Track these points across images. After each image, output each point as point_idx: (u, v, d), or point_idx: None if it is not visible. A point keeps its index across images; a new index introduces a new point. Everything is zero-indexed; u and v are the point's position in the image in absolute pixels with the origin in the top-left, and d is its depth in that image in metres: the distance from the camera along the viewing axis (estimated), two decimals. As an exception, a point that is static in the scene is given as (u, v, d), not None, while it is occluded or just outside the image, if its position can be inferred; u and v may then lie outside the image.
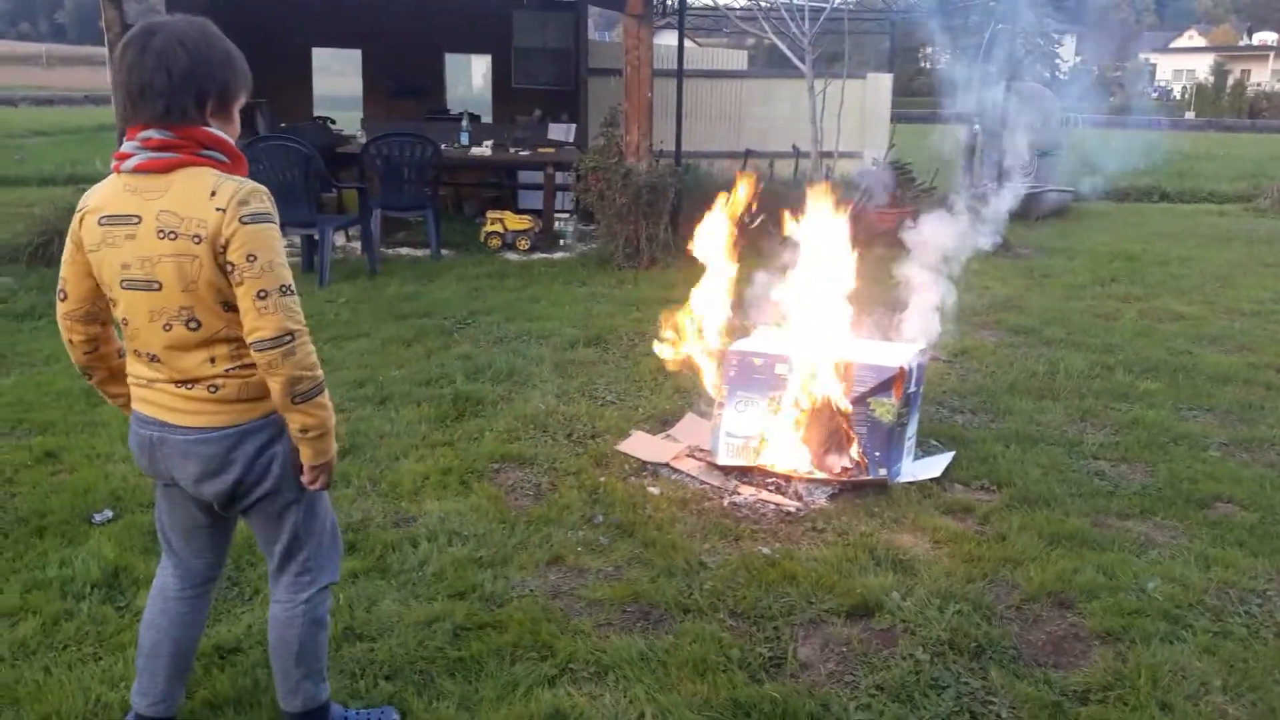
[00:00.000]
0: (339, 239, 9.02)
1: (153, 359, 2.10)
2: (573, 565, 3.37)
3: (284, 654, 2.36)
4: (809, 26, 7.43)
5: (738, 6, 10.21)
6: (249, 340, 2.03)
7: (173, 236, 1.99)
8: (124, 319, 2.10)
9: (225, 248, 1.99)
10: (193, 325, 2.05)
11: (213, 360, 2.09)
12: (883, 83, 11.63)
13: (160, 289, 2.02)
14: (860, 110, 10.54)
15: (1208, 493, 4.00)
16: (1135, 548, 3.53)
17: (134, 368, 2.17)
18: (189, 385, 2.10)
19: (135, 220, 2.01)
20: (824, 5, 7.62)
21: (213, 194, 2.00)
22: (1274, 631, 3.01)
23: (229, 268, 2.01)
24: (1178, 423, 4.83)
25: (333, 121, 11.56)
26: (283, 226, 7.55)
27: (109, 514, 3.64)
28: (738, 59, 13.94)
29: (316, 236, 7.59)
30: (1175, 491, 4.01)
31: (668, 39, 11.79)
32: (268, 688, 2.65)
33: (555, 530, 3.60)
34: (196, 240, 1.98)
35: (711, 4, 10.37)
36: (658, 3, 9.37)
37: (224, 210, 1.99)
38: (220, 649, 2.82)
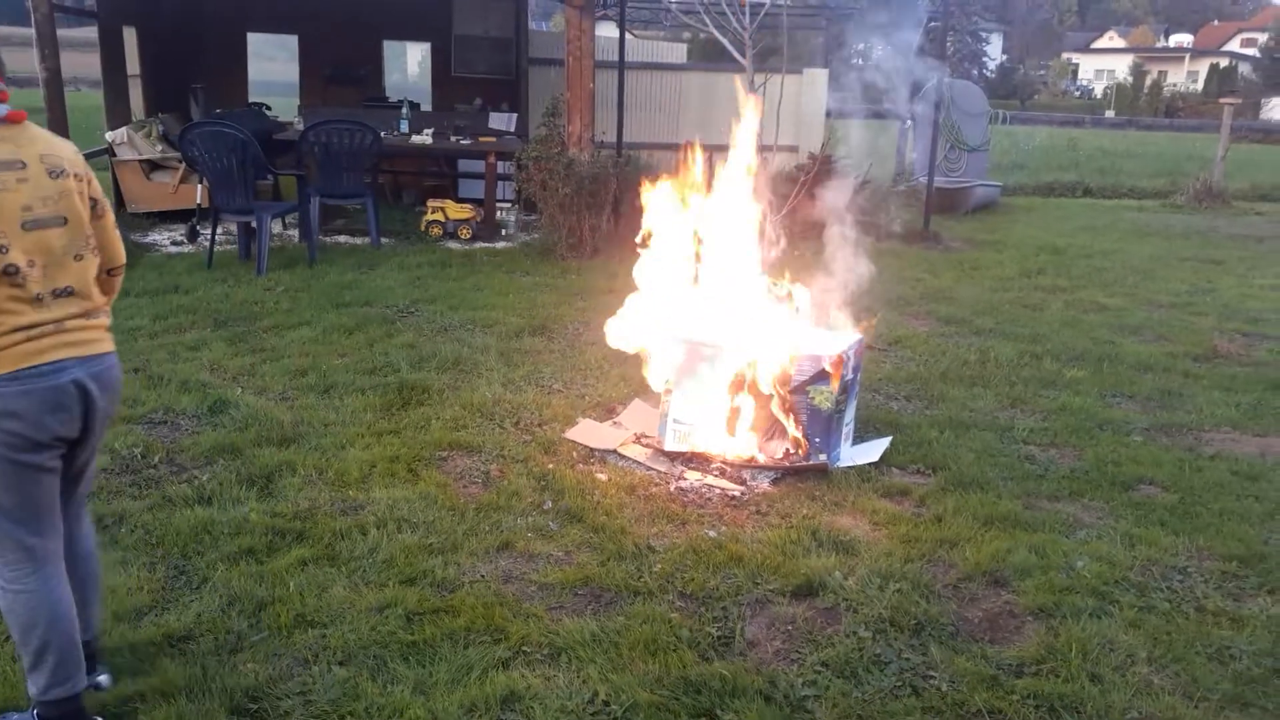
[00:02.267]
0: (276, 226, 8.87)
1: (67, 293, 2.25)
2: (523, 551, 3.41)
3: (99, 580, 2.59)
4: (749, 21, 7.52)
5: (675, 0, 10.29)
6: (116, 265, 2.46)
7: (63, 175, 2.26)
8: (29, 261, 2.17)
9: (88, 185, 2.34)
10: (95, 253, 2.35)
11: (98, 290, 2.37)
12: (819, 78, 11.79)
13: (67, 223, 2.26)
14: (797, 105, 10.68)
15: (1131, 475, 4.19)
16: (1065, 528, 3.69)
17: (34, 315, 2.18)
18: (95, 315, 2.33)
19: (21, 165, 2.19)
20: (763, 1, 7.71)
21: (60, 141, 2.32)
22: (1194, 606, 3.18)
23: (93, 203, 2.36)
24: (1103, 409, 5.03)
25: (268, 108, 11.35)
26: (219, 213, 7.43)
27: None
28: (677, 52, 14.00)
29: (254, 224, 7.46)
30: (1101, 474, 4.19)
31: (606, 30, 11.79)
32: (218, 675, 2.65)
33: (505, 517, 3.63)
34: (79, 179, 2.30)
35: (652, -4, 10.45)
36: (598, -6, 9.41)
37: (78, 154, 2.35)
38: (170, 637, 2.80)
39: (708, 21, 7.58)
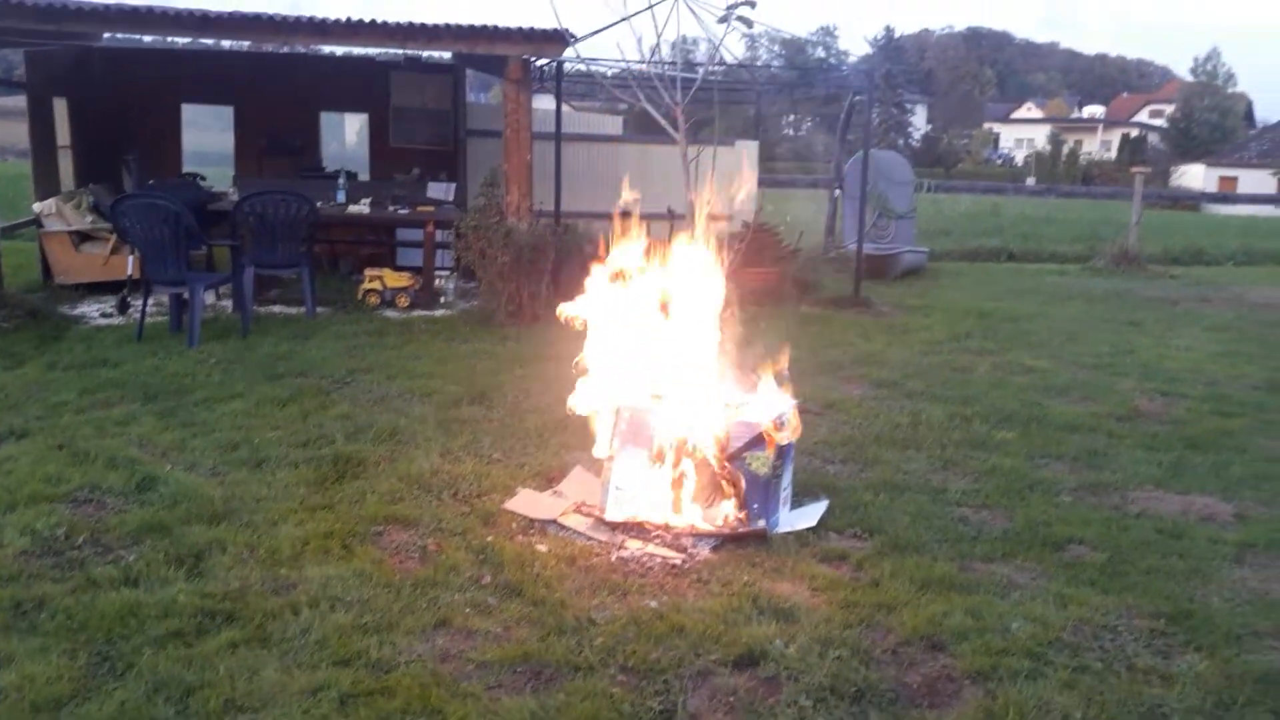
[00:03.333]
0: (209, 297, 8.74)
1: None
2: (461, 627, 3.35)
3: None
4: (681, 95, 7.71)
5: (609, 75, 10.53)
6: None
7: None
8: None
9: None
10: None
11: None
12: (750, 149, 12.11)
13: None
14: (729, 176, 10.96)
15: (1062, 536, 4.28)
16: (999, 590, 3.75)
17: None
18: None
19: None
20: (694, 76, 7.92)
21: None
22: (1125, 665, 3.24)
23: None
24: (1032, 470, 5.15)
25: (203, 178, 11.27)
26: (151, 285, 7.36)
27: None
28: (613, 123, 14.26)
29: (186, 295, 7.35)
30: (1033, 535, 4.27)
31: (544, 102, 11.99)
32: (143, 767, 2.55)
33: (442, 592, 3.57)
34: None
35: (585, 70, 10.67)
36: (535, 70, 9.55)
37: None
38: (91, 729, 2.69)
39: (640, 95, 7.75)
